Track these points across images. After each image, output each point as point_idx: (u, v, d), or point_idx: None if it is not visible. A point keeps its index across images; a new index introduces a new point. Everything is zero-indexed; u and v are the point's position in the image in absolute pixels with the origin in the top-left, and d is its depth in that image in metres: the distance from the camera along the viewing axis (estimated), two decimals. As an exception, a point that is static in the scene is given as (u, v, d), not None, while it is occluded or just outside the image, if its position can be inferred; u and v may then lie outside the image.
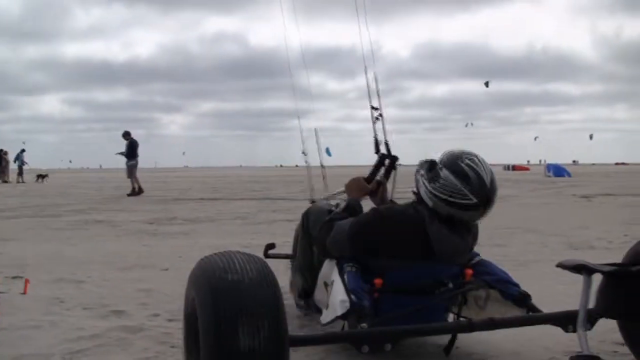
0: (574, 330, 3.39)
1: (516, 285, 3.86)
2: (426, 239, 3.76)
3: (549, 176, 44.42)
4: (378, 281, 3.75)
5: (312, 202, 5.54)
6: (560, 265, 2.45)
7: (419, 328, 3.55)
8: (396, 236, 3.80)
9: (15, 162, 43.70)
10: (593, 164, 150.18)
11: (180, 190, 28.50)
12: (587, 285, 2.32)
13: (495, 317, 3.54)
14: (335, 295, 3.68)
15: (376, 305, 3.69)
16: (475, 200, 3.63)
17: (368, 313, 3.50)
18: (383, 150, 4.88)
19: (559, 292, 5.61)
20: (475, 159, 3.72)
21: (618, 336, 4.33)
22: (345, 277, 3.76)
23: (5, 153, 43.20)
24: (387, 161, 4.82)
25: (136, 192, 23.80)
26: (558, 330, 4.41)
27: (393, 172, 4.76)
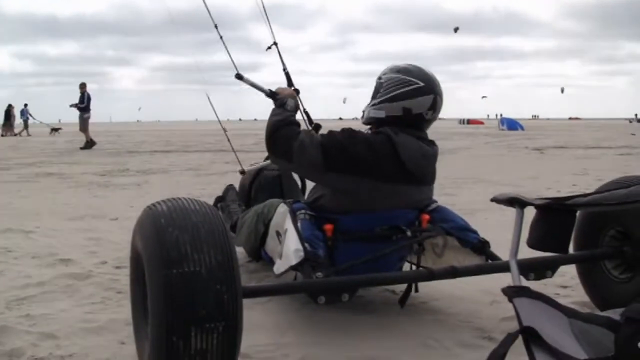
0: (536, 278, 3.52)
1: (475, 232, 3.84)
2: (396, 156, 3.63)
3: (503, 129, 44.82)
4: (328, 227, 3.64)
5: (242, 172, 5.54)
6: (495, 200, 2.50)
7: (377, 277, 3.49)
8: (369, 151, 3.61)
9: (21, 117, 44.31)
10: (548, 119, 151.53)
11: (133, 144, 28.27)
12: (520, 219, 2.37)
13: (457, 266, 3.46)
14: (289, 245, 3.52)
15: (331, 253, 3.60)
16: (421, 83, 3.68)
17: (323, 262, 3.42)
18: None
19: (508, 241, 5.70)
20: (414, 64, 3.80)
21: (561, 279, 4.46)
22: (299, 225, 3.62)
23: (12, 107, 43.88)
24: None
25: (89, 144, 23.58)
26: (500, 276, 4.52)
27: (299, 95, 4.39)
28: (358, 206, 3.70)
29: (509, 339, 1.88)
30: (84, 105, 24.25)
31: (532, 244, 2.31)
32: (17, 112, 44.60)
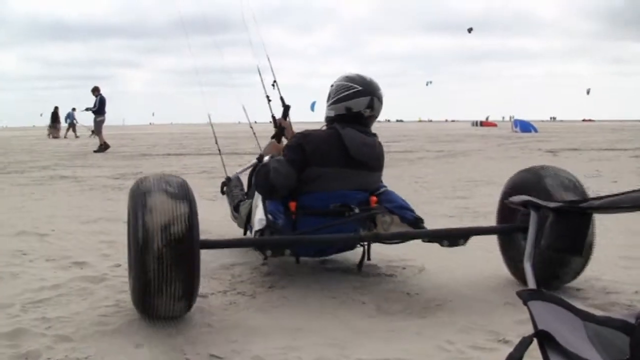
0: (449, 245, 4.37)
1: (412, 211, 4.68)
2: (342, 145, 4.59)
3: (516, 132, 44.70)
4: (292, 204, 4.57)
5: (228, 179, 6.42)
6: (509, 202, 2.51)
7: (311, 238, 4.41)
8: (321, 144, 4.62)
9: (66, 120, 45.19)
10: (562, 121, 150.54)
11: (147, 146, 28.33)
12: (534, 221, 2.37)
13: (380, 232, 4.42)
14: (257, 216, 4.62)
15: (294, 224, 4.53)
16: (360, 87, 4.65)
17: (281, 229, 4.37)
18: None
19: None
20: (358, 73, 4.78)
21: (574, 282, 4.45)
22: (267, 201, 4.60)
23: (58, 110, 44.73)
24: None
25: (103, 148, 23.63)
26: (511, 278, 4.55)
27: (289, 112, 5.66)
28: (315, 188, 4.60)
29: (524, 343, 1.88)
30: (96, 108, 24.33)
31: (547, 246, 2.31)
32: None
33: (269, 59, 6.33)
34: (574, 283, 4.46)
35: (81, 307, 4.15)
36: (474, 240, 4.54)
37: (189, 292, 3.65)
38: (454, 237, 4.41)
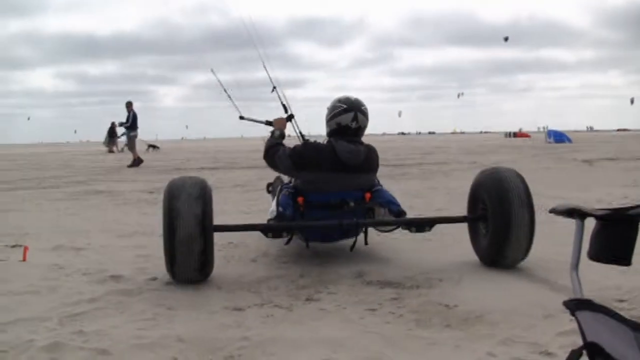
0: (417, 231, 5.67)
1: (397, 205, 5.83)
2: (335, 153, 5.76)
3: (550, 142, 44.37)
4: (300, 199, 5.80)
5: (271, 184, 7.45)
6: (553, 211, 2.45)
7: (305, 224, 5.73)
8: (315, 153, 5.85)
9: (122, 135, 46.13)
10: (596, 131, 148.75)
11: (180, 161, 28.46)
12: (580, 230, 2.31)
13: (359, 220, 5.68)
14: (272, 207, 6.14)
15: (302, 215, 5.77)
16: (345, 105, 5.88)
17: (288, 219, 5.68)
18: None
19: (557, 253, 5.64)
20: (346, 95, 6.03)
21: (616, 292, 4.37)
22: (281, 196, 5.95)
23: (115, 125, 45.58)
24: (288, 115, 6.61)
25: (136, 162, 23.73)
26: (552, 290, 4.47)
27: (292, 119, 6.61)
28: (317, 188, 5.81)
29: (574, 356, 1.83)
30: (129, 124, 24.45)
31: (594, 255, 2.24)
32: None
33: (265, 68, 6.95)
34: (616, 293, 4.38)
35: (118, 321, 4.14)
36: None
37: (204, 263, 5.05)
38: (420, 225, 5.72)
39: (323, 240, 6.16)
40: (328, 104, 6.07)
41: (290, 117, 6.58)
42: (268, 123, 6.43)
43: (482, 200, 5.64)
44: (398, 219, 5.73)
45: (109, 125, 44.66)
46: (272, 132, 6.21)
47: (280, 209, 5.74)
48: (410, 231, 5.69)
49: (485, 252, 5.59)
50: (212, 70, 7.26)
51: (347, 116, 5.83)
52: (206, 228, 4.97)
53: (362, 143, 5.93)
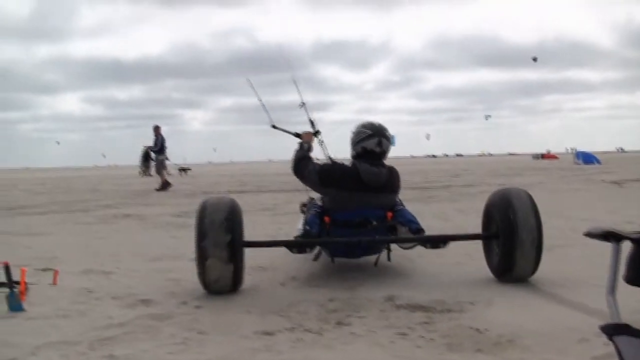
0: (433, 247, 6.01)
1: (416, 223, 6.21)
2: (358, 175, 6.18)
3: (578, 164, 44.11)
4: (327, 219, 6.21)
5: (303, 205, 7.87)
6: (588, 234, 2.42)
7: (326, 240, 6.15)
8: (341, 174, 6.29)
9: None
10: (625, 151, 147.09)
11: (208, 184, 28.61)
12: (616, 253, 2.28)
13: (377, 237, 6.03)
14: (298, 224, 6.79)
15: (328, 232, 6.16)
16: (370, 131, 6.33)
17: (314, 236, 6.07)
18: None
19: (592, 277, 5.59)
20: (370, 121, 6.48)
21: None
22: (308, 215, 6.44)
23: (149, 149, 46.48)
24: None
25: (164, 186, 23.83)
26: (585, 313, 4.42)
27: (318, 136, 6.87)
28: (342, 206, 6.22)
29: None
30: (157, 148, 24.58)
31: (630, 279, 2.21)
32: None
33: (296, 84, 7.27)
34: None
35: (148, 345, 4.14)
36: (544, 280, 5.13)
37: (235, 276, 5.50)
38: (435, 241, 6.06)
39: (347, 256, 6.51)
40: (353, 127, 6.51)
41: (317, 133, 6.88)
42: (297, 135, 6.76)
43: (494, 219, 5.94)
44: (415, 236, 6.08)
45: (142, 149, 45.21)
46: (301, 145, 6.59)
47: (307, 226, 6.19)
48: (426, 247, 6.08)
49: (496, 268, 5.93)
50: (247, 80, 7.61)
51: (372, 141, 6.28)
52: (236, 243, 5.45)
53: (384, 165, 6.37)
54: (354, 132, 6.44)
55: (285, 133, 7.03)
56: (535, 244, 5.60)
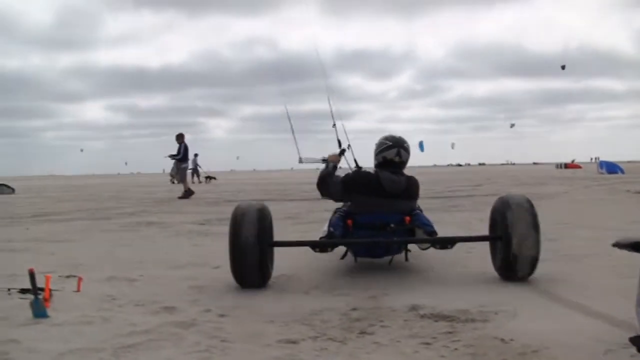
0: (442, 248, 6.52)
1: (430, 226, 6.82)
2: (379, 182, 6.86)
3: (602, 173, 43.82)
4: (349, 221, 6.86)
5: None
6: (617, 245, 2.41)
7: (347, 240, 6.77)
8: (364, 181, 6.97)
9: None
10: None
11: (231, 192, 28.64)
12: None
13: (393, 239, 6.66)
14: (324, 226, 7.21)
15: (351, 234, 6.81)
16: (390, 142, 7.03)
17: (338, 237, 6.69)
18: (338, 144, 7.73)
19: (618, 287, 5.55)
20: (391, 134, 7.18)
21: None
22: (333, 218, 7.12)
23: None
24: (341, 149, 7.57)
25: (187, 194, 23.88)
26: (611, 324, 4.38)
27: (345, 153, 7.53)
28: (364, 210, 6.89)
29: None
30: (180, 156, 24.64)
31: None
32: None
33: (330, 104, 8.17)
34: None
35: (172, 353, 4.14)
36: (570, 290, 5.14)
37: (262, 272, 6.18)
38: (444, 242, 6.57)
39: (368, 256, 7.15)
40: (377, 138, 7.15)
41: (342, 152, 7.51)
42: (324, 161, 7.30)
43: (497, 223, 6.43)
44: (427, 237, 6.67)
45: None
46: (327, 164, 7.17)
47: (331, 228, 6.83)
48: (435, 248, 6.62)
49: (499, 267, 6.42)
50: (285, 108, 8.50)
51: (392, 152, 6.98)
52: (264, 242, 6.13)
53: (403, 174, 7.05)
54: (376, 144, 7.12)
55: (313, 163, 7.84)
56: (532, 246, 6.10)
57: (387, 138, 7.09)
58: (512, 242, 6.08)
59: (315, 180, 7.15)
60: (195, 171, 47.77)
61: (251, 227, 6.08)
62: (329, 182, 6.98)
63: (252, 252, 6.02)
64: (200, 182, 46.36)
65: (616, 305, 4.90)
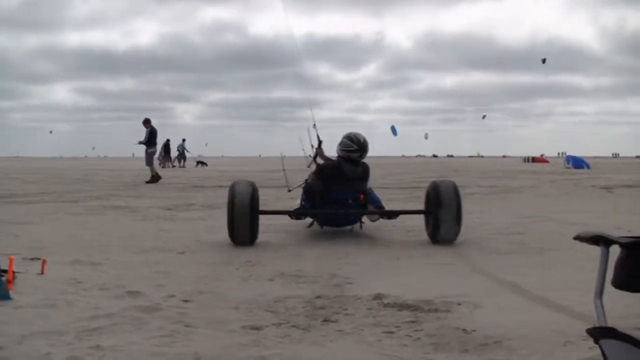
0: (388, 218, 9.06)
1: (379, 202, 9.15)
2: (342, 170, 8.88)
3: (568, 168, 44.14)
4: (318, 198, 8.79)
5: (289, 190, 10.62)
6: (578, 238, 2.43)
7: (317, 211, 8.81)
8: (330, 170, 9.09)
9: (177, 150, 50.76)
10: (617, 157, 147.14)
11: (198, 179, 28.49)
12: (605, 257, 2.29)
13: (350, 210, 8.82)
14: (296, 200, 9.45)
15: (318, 207, 8.77)
16: (356, 147, 8.94)
17: (307, 209, 8.88)
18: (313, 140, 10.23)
19: (578, 281, 5.61)
20: (354, 133, 9.17)
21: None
22: (303, 196, 9.26)
23: (170, 142, 49.20)
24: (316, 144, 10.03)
25: (154, 179, 23.74)
26: (571, 316, 4.43)
27: (320, 148, 9.91)
28: (329, 190, 8.80)
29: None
30: (146, 140, 24.47)
31: (618, 283, 2.22)
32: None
33: (310, 106, 10.77)
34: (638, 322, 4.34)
35: (135, 337, 4.13)
36: (532, 282, 5.07)
37: (252, 233, 8.15)
38: (389, 214, 9.00)
39: (332, 225, 9.25)
40: (347, 128, 9.36)
41: (320, 143, 10.01)
42: (314, 158, 10.10)
43: (430, 200, 8.57)
44: (376, 210, 8.99)
45: (163, 142, 46.02)
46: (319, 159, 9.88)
47: (303, 202, 9.15)
48: (383, 218, 9.11)
49: (430, 234, 8.52)
50: (311, 114, 10.72)
51: (356, 154, 9.05)
52: (254, 209, 8.11)
53: (358, 164, 9.11)
54: (343, 140, 9.12)
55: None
56: (455, 217, 8.24)
57: (353, 141, 9.06)
58: (439, 214, 8.21)
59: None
60: (182, 155, 49.79)
61: (245, 197, 8.05)
62: (315, 186, 9.01)
63: (247, 217, 7.98)
64: (183, 167, 47.75)
65: (576, 298, 4.96)
